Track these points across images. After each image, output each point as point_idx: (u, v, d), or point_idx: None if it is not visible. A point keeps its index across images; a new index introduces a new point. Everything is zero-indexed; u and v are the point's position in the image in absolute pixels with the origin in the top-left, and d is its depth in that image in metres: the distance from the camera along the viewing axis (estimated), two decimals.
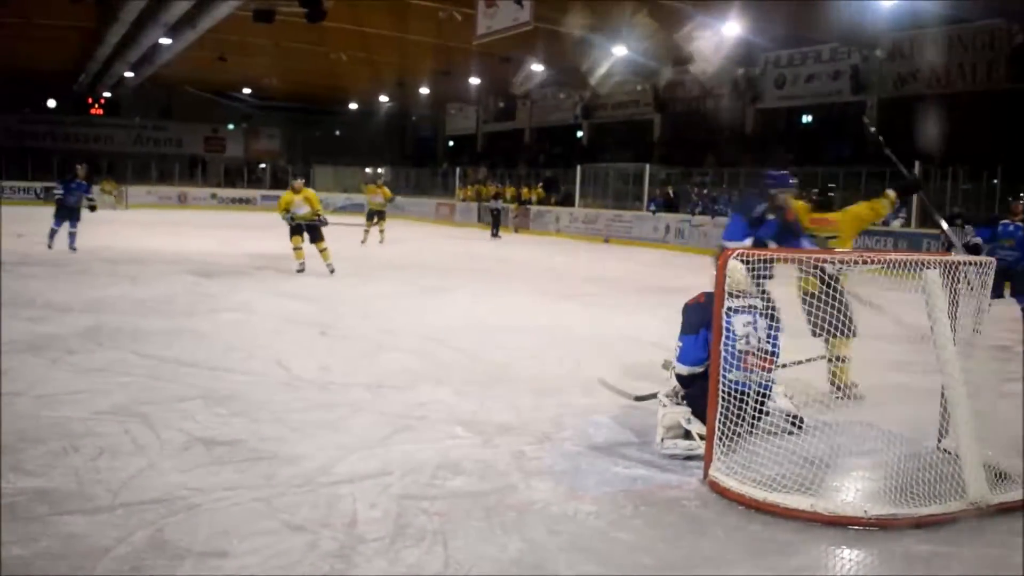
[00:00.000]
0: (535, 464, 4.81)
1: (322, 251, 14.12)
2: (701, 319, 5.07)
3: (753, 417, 4.83)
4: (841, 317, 4.99)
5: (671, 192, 27.34)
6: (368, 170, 48.36)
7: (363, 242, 20.60)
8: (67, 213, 16.05)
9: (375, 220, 21.77)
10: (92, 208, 16.93)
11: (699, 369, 5.14)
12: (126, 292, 11.06)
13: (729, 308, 4.87)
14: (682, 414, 5.07)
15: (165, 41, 28.58)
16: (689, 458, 4.88)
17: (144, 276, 12.86)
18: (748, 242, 6.47)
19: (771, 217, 6.66)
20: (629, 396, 5.85)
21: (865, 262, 4.56)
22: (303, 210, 14.14)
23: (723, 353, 4.73)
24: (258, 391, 6.14)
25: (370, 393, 6.23)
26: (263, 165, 48.06)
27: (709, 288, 4.92)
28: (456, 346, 8.20)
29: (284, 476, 4.43)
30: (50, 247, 15.77)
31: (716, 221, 24.12)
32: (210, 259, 15.57)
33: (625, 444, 5.23)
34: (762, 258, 4.79)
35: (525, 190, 33.33)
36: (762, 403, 5.02)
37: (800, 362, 5.86)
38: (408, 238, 24.58)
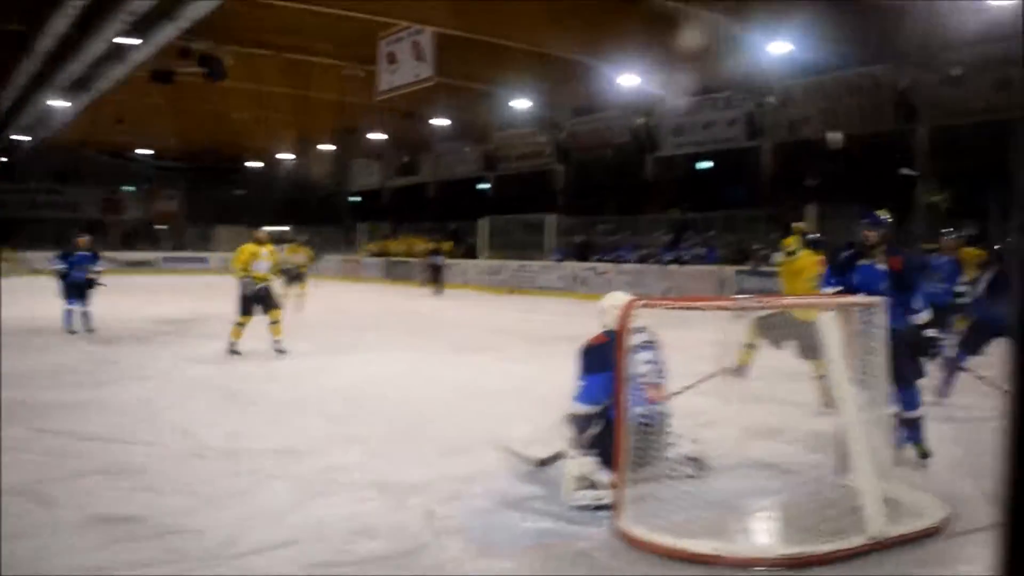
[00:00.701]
0: (447, 523, 4.81)
1: (274, 323, 11.98)
2: (606, 359, 5.07)
3: (661, 447, 4.91)
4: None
5: (577, 241, 27.78)
6: (265, 228, 48.02)
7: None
8: (75, 291, 14.12)
9: (294, 283, 19.11)
10: (95, 283, 14.51)
11: (594, 410, 5.21)
12: (23, 363, 10.66)
13: (634, 347, 5.08)
14: (589, 464, 5.13)
15: (60, 103, 28.04)
16: (599, 508, 4.92)
17: (43, 346, 12.48)
18: (830, 290, 6.16)
19: (863, 262, 6.34)
20: (533, 462, 5.87)
21: (764, 308, 4.71)
22: (264, 267, 12.08)
23: (626, 391, 4.87)
24: (163, 462, 6.02)
25: (280, 458, 6.15)
26: (164, 227, 47.16)
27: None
28: (366, 406, 8.16)
29: (190, 551, 4.34)
30: (72, 331, 13.95)
31: (620, 268, 24.55)
32: (111, 325, 15.15)
33: (535, 498, 5.26)
34: (659, 306, 4.92)
35: (432, 244, 33.39)
36: (667, 432, 5.12)
37: (686, 388, 5.98)
38: (313, 296, 24.37)
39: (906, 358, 5.85)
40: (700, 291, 21.77)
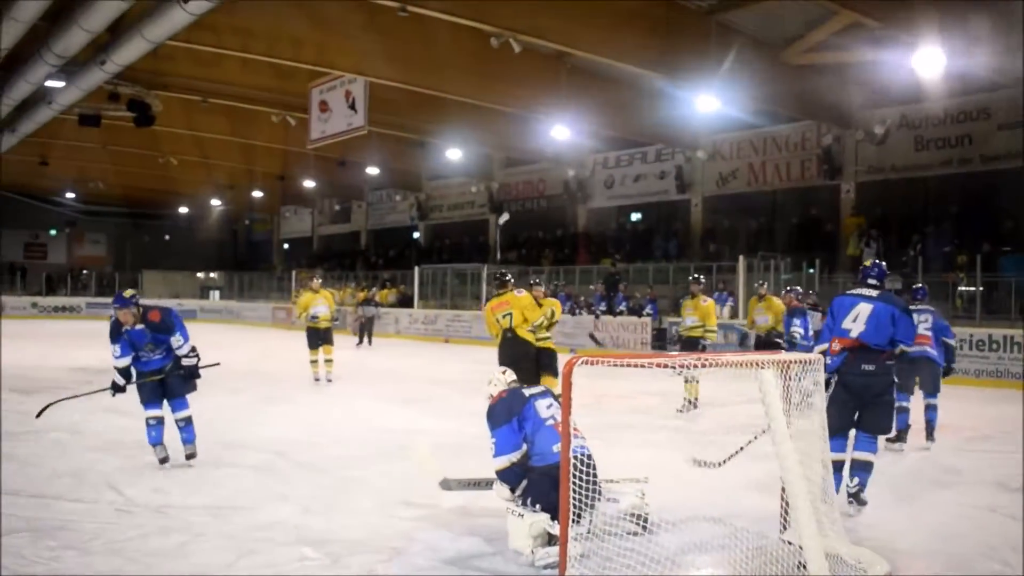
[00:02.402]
0: None
1: (328, 361, 14.30)
2: (509, 410, 5.48)
3: (591, 489, 4.87)
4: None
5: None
6: (200, 275, 47.27)
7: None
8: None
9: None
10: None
11: (516, 457, 5.37)
12: None
13: (530, 395, 5.58)
14: (542, 519, 5.05)
15: None
16: (547, 566, 4.85)
17: None
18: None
19: None
20: (482, 485, 5.85)
21: (705, 365, 4.70)
22: (323, 310, 14.24)
23: (541, 435, 5.35)
24: (90, 520, 5.76)
25: (210, 515, 5.94)
26: (88, 271, 46.15)
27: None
28: (300, 459, 7.96)
29: None
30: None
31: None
32: (30, 374, 14.60)
33: (476, 555, 5.16)
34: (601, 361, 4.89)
35: (365, 292, 33.15)
36: (594, 471, 5.09)
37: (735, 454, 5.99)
38: (244, 343, 23.95)
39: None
40: (634, 341, 21.89)
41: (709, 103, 19.54)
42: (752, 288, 18.44)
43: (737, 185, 25.78)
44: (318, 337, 14.37)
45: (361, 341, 24.94)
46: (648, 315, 22.18)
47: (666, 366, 5.38)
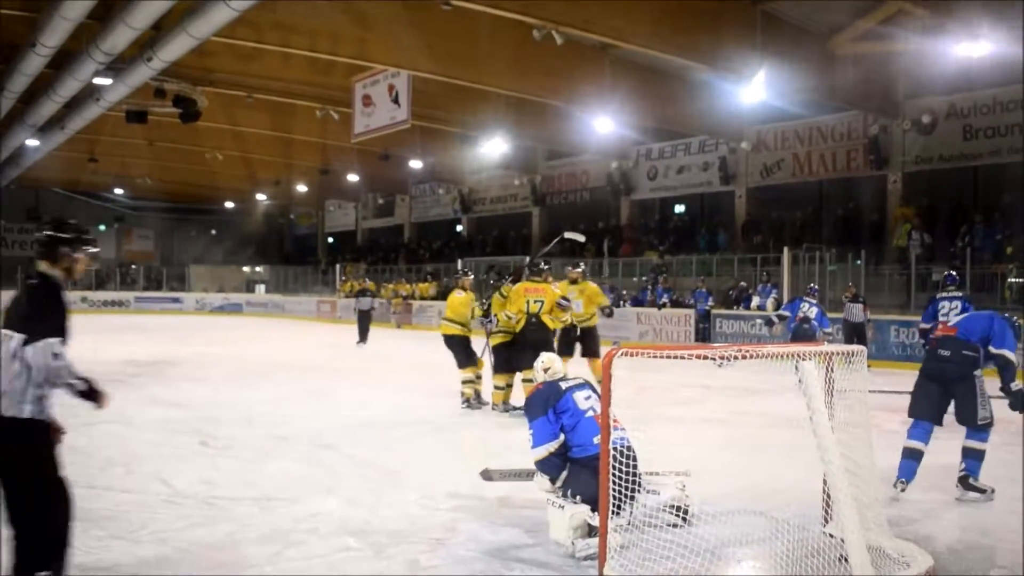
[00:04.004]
0: (431, 573, 4.74)
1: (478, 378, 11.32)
2: (545, 401, 5.49)
3: (632, 479, 4.89)
4: None
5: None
6: (246, 269, 47.72)
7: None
8: None
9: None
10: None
11: (553, 446, 5.38)
12: None
13: (568, 387, 5.55)
14: (583, 511, 5.09)
15: (32, 142, 27.89)
16: (587, 557, 4.89)
17: None
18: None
19: None
20: (523, 475, 5.90)
21: (746, 356, 4.70)
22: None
23: (581, 426, 5.35)
24: (138, 510, 5.90)
25: (257, 507, 6.05)
26: (136, 266, 46.87)
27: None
28: (345, 451, 8.06)
29: None
30: None
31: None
32: (82, 367, 14.91)
33: (519, 546, 5.21)
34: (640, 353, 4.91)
35: (406, 285, 33.36)
36: (635, 462, 5.11)
37: None
38: (290, 337, 24.22)
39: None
40: (677, 334, 21.84)
41: (754, 93, 19.39)
42: (800, 284, 18.33)
43: (782, 176, 25.55)
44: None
45: (362, 339, 22.28)
46: (698, 307, 22.00)
47: (706, 357, 5.39)
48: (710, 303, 22.25)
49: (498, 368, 10.74)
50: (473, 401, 10.90)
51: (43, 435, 3.98)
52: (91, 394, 4.24)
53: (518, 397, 9.76)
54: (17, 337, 3.88)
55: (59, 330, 4.01)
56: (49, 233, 4.30)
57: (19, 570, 3.85)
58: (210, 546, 5.16)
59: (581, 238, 12.07)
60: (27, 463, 3.91)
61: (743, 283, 22.83)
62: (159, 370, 15.01)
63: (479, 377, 11.17)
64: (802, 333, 13.36)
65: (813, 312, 13.53)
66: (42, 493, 3.96)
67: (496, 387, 10.74)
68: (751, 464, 6.80)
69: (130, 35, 16.57)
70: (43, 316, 4.01)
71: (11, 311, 4.05)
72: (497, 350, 10.82)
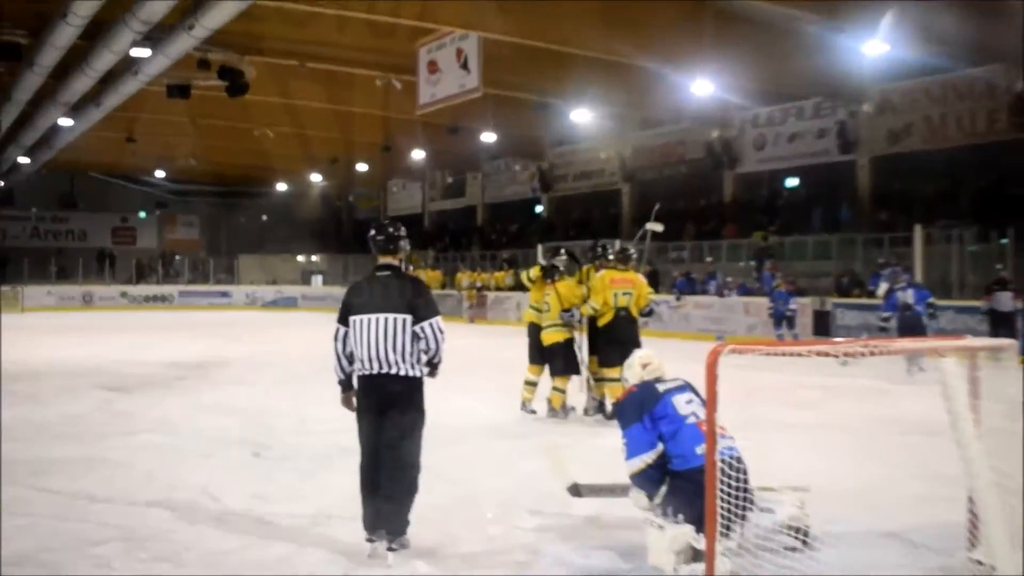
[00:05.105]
0: None
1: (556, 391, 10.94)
2: (640, 406, 5.41)
3: (741, 496, 4.81)
4: None
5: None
6: (301, 258, 48.28)
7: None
8: None
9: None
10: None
11: (651, 457, 5.28)
12: (24, 413, 10.76)
13: (666, 390, 5.43)
14: (686, 532, 5.02)
15: (65, 122, 28.58)
16: None
17: (45, 393, 12.60)
18: None
19: None
20: (616, 491, 5.84)
21: (872, 353, 4.58)
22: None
23: (682, 435, 5.22)
24: (184, 529, 6.00)
25: (315, 525, 6.11)
26: (180, 257, 47.71)
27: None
28: None
29: None
30: None
31: (698, 301, 24.29)
32: (122, 369, 15.33)
33: (611, 572, 5.20)
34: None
35: (481, 275, 33.48)
36: (744, 474, 5.02)
37: None
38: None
39: None
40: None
41: (877, 47, 18.95)
42: (933, 266, 17.89)
43: (912, 143, 24.95)
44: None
45: None
46: (775, 305, 21.10)
47: (827, 354, 5.26)
48: (792, 304, 20.25)
49: (558, 369, 10.77)
50: (560, 412, 10.82)
51: (421, 387, 5.92)
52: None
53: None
54: (401, 317, 5.57)
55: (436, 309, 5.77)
56: (392, 232, 5.87)
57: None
58: (264, 568, 5.23)
59: (660, 227, 11.86)
60: (412, 406, 5.84)
61: (854, 269, 22.31)
62: (205, 373, 15.26)
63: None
64: (909, 322, 13.28)
65: (911, 295, 13.46)
66: (411, 431, 5.80)
67: (556, 389, 10.76)
68: (881, 478, 6.64)
69: (170, 1, 16.84)
70: (428, 299, 5.79)
71: (370, 297, 5.71)
72: (554, 349, 10.80)
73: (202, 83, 23.62)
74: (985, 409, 4.76)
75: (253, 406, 11.62)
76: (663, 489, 5.29)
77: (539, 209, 39.16)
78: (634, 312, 10.39)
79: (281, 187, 48.01)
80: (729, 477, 4.68)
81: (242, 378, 13.77)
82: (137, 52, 20.50)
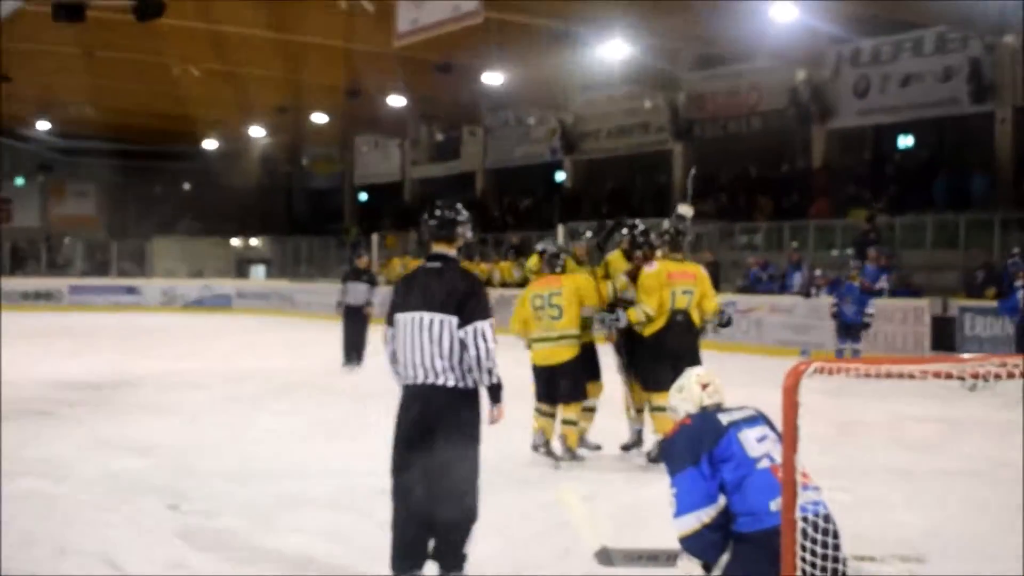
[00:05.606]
0: None
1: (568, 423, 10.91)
2: (695, 442, 5.24)
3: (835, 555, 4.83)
4: None
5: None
6: (236, 242, 48.29)
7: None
8: None
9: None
10: None
11: (708, 515, 5.16)
12: None
13: (731, 423, 5.26)
14: None
15: None
16: None
17: None
18: None
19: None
20: (660, 558, 5.85)
21: (1012, 375, 4.61)
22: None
23: (751, 484, 5.09)
24: None
25: None
26: (71, 239, 47.50)
27: None
28: (382, 516, 8.10)
29: None
30: None
31: (774, 303, 24.20)
32: None
33: None
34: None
35: (482, 266, 33.49)
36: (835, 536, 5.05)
37: None
38: (301, 345, 24.51)
39: None
40: (904, 338, 21.46)
41: None
42: None
43: None
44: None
45: (349, 358, 19.86)
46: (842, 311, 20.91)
47: (950, 376, 5.29)
48: (871, 309, 19.75)
49: (564, 394, 10.66)
50: (574, 453, 10.67)
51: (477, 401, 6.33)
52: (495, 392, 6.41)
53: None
54: (448, 318, 6.05)
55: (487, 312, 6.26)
56: (448, 215, 6.32)
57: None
58: None
59: (691, 211, 11.66)
60: (464, 422, 6.26)
61: (989, 261, 22.31)
62: (106, 397, 15.30)
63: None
64: None
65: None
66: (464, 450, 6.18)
67: (567, 422, 10.66)
68: (1019, 545, 6.67)
69: None
70: (481, 299, 6.30)
71: (417, 292, 6.22)
72: (571, 367, 10.73)
73: (102, 3, 23.60)
74: None
75: (171, 442, 11.63)
76: (725, 558, 5.32)
77: (560, 177, 39.15)
78: (695, 317, 10.32)
79: (209, 145, 47.82)
80: (814, 542, 4.71)
81: (156, 404, 13.80)
82: None
